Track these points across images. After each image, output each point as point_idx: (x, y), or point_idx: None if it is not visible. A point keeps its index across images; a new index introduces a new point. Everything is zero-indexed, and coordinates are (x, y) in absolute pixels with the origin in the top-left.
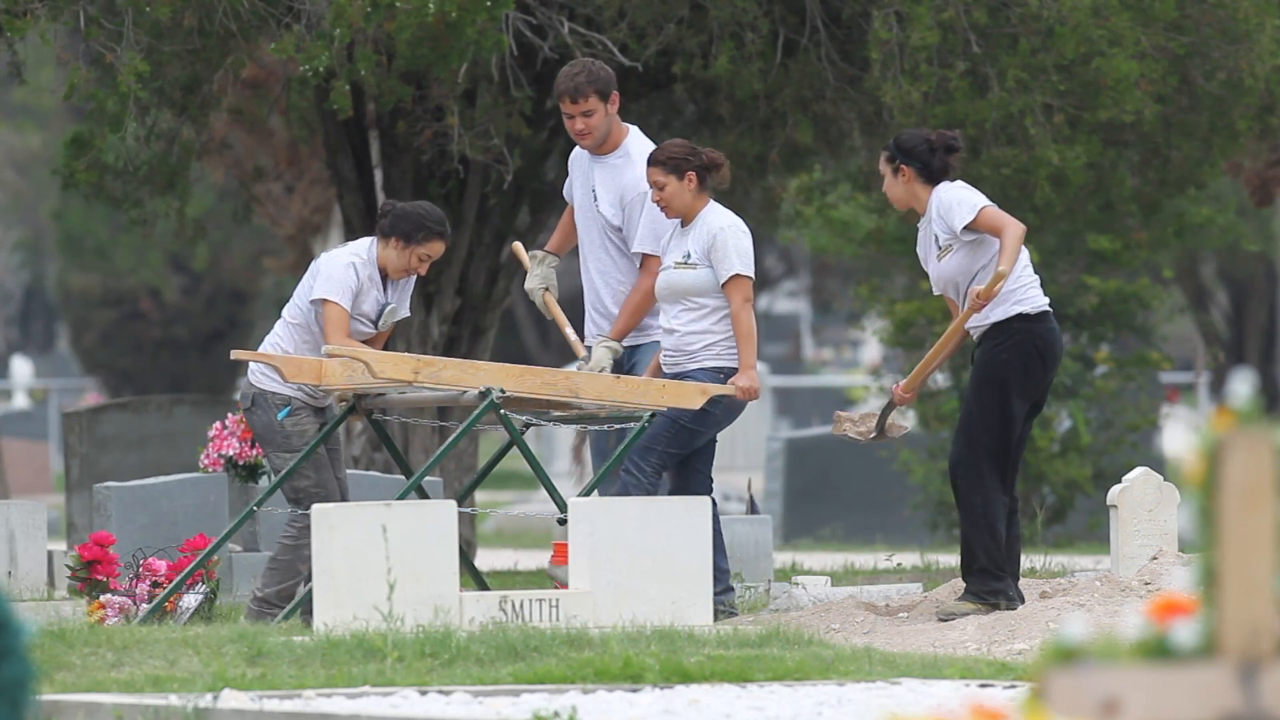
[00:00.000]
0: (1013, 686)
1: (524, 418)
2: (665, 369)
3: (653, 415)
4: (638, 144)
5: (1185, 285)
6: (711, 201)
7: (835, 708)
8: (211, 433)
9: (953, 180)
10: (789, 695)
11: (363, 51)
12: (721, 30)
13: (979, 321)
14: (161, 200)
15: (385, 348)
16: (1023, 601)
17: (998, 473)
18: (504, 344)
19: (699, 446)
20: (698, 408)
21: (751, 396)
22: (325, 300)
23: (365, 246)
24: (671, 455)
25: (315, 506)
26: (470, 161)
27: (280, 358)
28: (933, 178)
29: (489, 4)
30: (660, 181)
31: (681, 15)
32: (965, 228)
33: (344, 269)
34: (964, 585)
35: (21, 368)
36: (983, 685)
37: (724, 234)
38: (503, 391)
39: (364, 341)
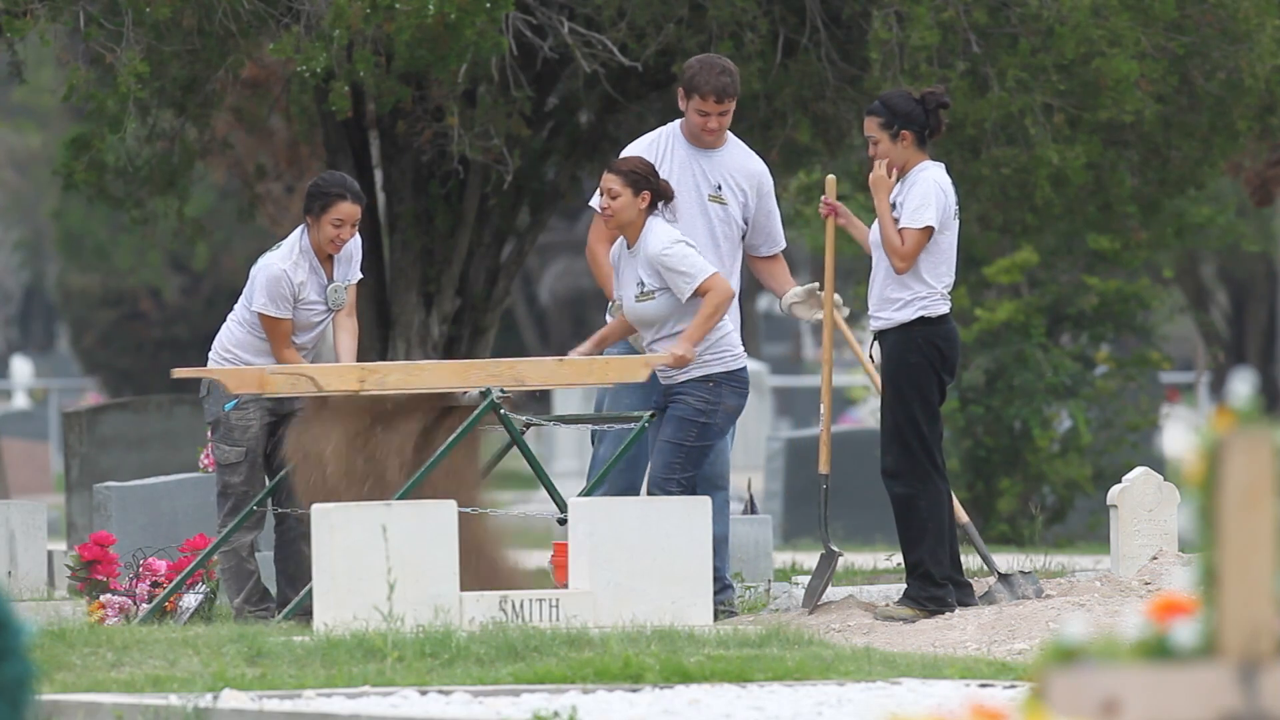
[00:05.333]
0: (1013, 686)
1: (524, 418)
2: (661, 379)
3: (652, 415)
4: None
5: (1185, 285)
6: (649, 220)
7: (835, 708)
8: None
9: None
10: (789, 695)
11: (361, 52)
12: (721, 30)
13: (885, 321)
14: (162, 200)
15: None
16: (966, 603)
17: (936, 469)
18: (504, 344)
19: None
20: (644, 379)
21: (682, 364)
22: (261, 313)
23: (294, 241)
24: (690, 478)
25: (315, 506)
26: (470, 161)
27: (224, 370)
28: (924, 141)
29: (488, 5)
30: (615, 191)
31: (681, 15)
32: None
33: (274, 282)
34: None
35: (21, 368)
36: (983, 685)
37: (665, 259)
38: (503, 392)
39: (321, 321)
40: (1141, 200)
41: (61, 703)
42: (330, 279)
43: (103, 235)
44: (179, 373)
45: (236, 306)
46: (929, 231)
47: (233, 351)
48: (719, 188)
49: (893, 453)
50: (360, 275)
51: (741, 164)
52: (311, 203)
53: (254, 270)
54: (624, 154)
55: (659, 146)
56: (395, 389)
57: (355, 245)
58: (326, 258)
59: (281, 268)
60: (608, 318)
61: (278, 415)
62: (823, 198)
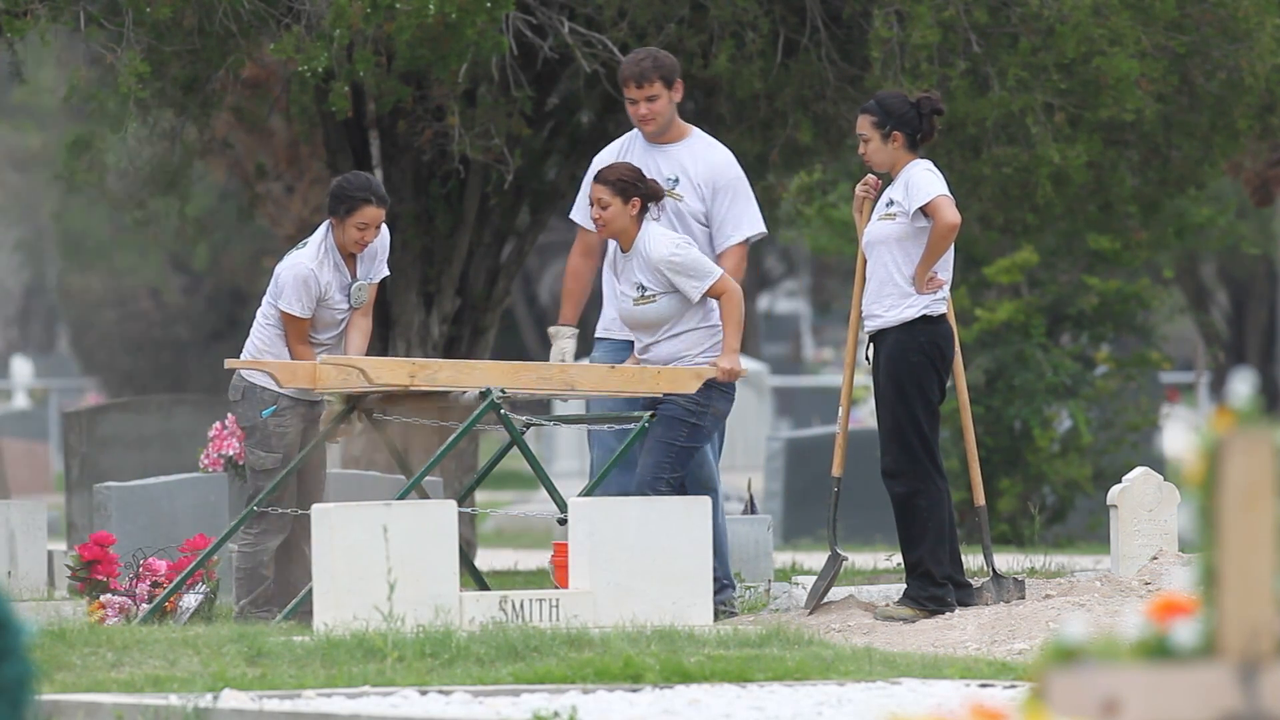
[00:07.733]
0: (1013, 686)
1: (524, 418)
2: None
3: (652, 415)
4: (706, 136)
5: (1185, 285)
6: (645, 224)
7: (835, 708)
8: (211, 433)
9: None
10: (789, 695)
11: (362, 52)
12: (722, 30)
13: (884, 320)
14: (162, 200)
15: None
16: (966, 603)
17: (936, 468)
18: (504, 343)
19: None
20: (694, 391)
21: (733, 378)
22: (284, 312)
23: (319, 239)
24: (678, 478)
25: (315, 507)
26: (470, 161)
27: (275, 363)
28: (916, 144)
29: (489, 5)
30: (605, 201)
31: (681, 15)
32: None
33: (302, 281)
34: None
35: (21, 368)
36: (983, 685)
37: (673, 262)
38: (503, 392)
39: (343, 319)
40: (1142, 200)
41: (61, 703)
42: (354, 277)
43: (103, 235)
44: (231, 363)
45: (263, 308)
46: (950, 198)
47: (266, 354)
48: (675, 181)
49: (892, 452)
50: (386, 272)
51: (701, 156)
52: (336, 205)
53: (279, 269)
54: (595, 162)
55: (623, 146)
56: (445, 386)
57: (382, 244)
58: (349, 256)
59: (310, 267)
60: (551, 336)
61: (308, 420)
62: (869, 180)
